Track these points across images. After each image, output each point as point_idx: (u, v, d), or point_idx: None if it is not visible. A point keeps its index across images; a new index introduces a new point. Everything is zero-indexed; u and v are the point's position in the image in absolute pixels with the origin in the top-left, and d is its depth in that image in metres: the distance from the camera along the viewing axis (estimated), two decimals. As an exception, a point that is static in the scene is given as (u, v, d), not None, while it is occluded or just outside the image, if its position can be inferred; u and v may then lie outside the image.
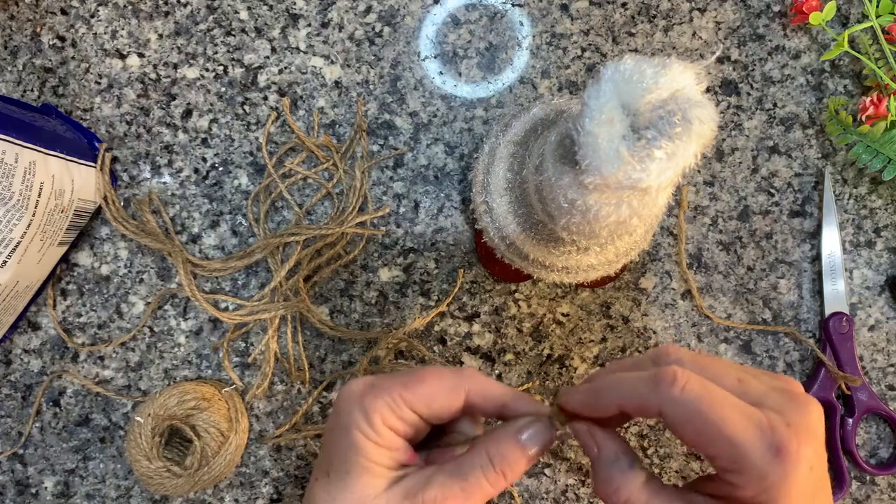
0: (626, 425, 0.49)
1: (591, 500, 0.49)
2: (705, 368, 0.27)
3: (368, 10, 0.49)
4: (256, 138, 0.48)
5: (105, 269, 0.48)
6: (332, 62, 0.49)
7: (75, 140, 0.46)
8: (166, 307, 0.48)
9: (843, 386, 0.48)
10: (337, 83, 0.49)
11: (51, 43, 0.48)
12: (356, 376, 0.32)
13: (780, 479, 0.25)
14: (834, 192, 0.49)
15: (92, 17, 0.48)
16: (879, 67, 0.47)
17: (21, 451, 0.48)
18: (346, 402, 0.29)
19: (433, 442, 0.32)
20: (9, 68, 0.48)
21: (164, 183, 0.48)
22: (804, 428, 0.25)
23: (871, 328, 0.49)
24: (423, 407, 0.29)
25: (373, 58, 0.49)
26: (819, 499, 0.26)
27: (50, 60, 0.48)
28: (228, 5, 0.48)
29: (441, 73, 0.49)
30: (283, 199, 0.48)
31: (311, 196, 0.48)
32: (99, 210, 0.47)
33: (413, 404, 0.29)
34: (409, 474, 0.29)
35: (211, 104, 0.48)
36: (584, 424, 0.30)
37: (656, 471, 0.49)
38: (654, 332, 0.49)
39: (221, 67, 0.48)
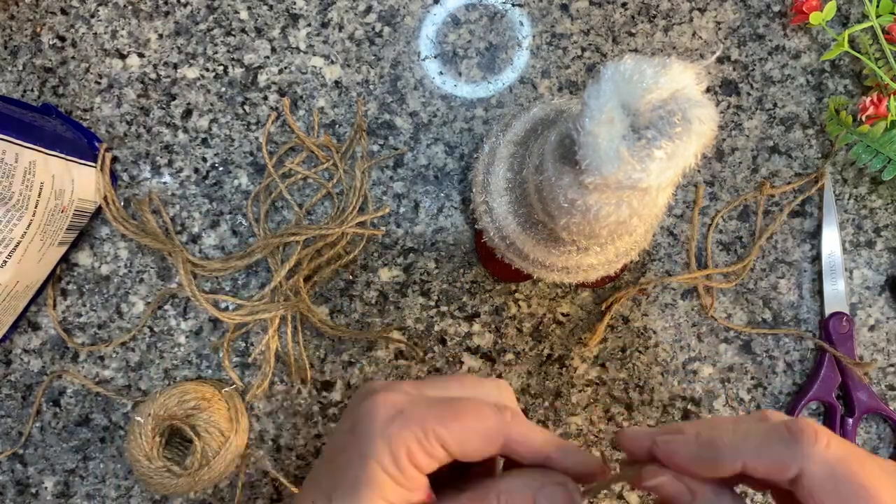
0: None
1: (590, 501, 0.49)
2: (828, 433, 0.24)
3: (368, 10, 0.49)
4: (256, 138, 0.48)
5: (105, 269, 0.48)
6: (332, 62, 0.49)
7: (75, 140, 0.46)
8: (166, 307, 0.48)
9: (859, 375, 0.48)
10: (337, 83, 0.49)
11: (51, 43, 0.48)
12: (377, 379, 0.28)
13: None
14: (834, 192, 0.49)
15: (92, 17, 0.48)
16: (879, 67, 0.46)
17: (21, 451, 0.48)
18: (367, 423, 0.25)
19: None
20: (9, 68, 0.48)
21: (164, 183, 0.48)
22: None
23: (872, 328, 0.49)
24: (456, 446, 0.25)
25: (373, 58, 0.49)
26: None
27: (50, 60, 0.48)
28: (228, 5, 0.48)
29: (441, 73, 0.49)
30: (283, 199, 0.48)
31: (311, 196, 0.48)
32: (99, 210, 0.47)
33: (445, 442, 0.25)
34: None
35: (211, 104, 0.48)
36: (665, 475, 0.26)
37: None
38: (654, 332, 0.49)
39: (221, 67, 0.48)
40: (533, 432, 0.26)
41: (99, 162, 0.46)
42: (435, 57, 0.49)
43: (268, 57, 0.48)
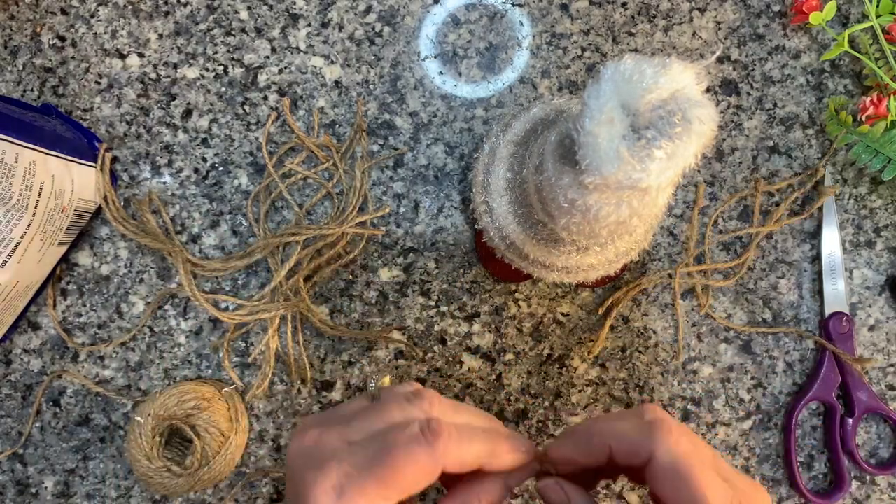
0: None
1: (591, 500, 0.49)
2: (688, 436, 0.28)
3: (368, 10, 0.49)
4: (256, 138, 0.48)
5: (105, 269, 0.48)
6: (332, 62, 0.49)
7: (75, 140, 0.46)
8: (166, 307, 0.48)
9: (859, 373, 0.48)
10: (337, 83, 0.49)
11: (51, 43, 0.48)
12: (302, 432, 0.29)
13: None
14: (833, 195, 0.49)
15: (92, 16, 0.48)
16: (879, 67, 0.46)
17: (21, 451, 0.48)
18: None
19: None
20: (9, 68, 0.48)
21: (164, 183, 0.48)
22: None
23: (871, 328, 0.49)
24: (402, 496, 0.27)
25: (373, 58, 0.49)
26: None
27: (50, 60, 0.48)
28: (228, 5, 0.48)
29: (441, 72, 0.49)
30: (283, 199, 0.48)
31: (311, 196, 0.48)
32: (99, 210, 0.47)
33: (390, 499, 0.26)
34: None
35: (211, 104, 0.48)
36: (551, 480, 0.30)
37: None
38: (654, 332, 0.49)
39: (221, 67, 0.48)
40: (464, 450, 0.28)
41: (99, 162, 0.46)
42: (435, 57, 0.49)
43: (268, 57, 0.48)
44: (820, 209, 0.49)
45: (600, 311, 0.48)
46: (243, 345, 0.48)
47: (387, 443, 0.27)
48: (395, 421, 0.28)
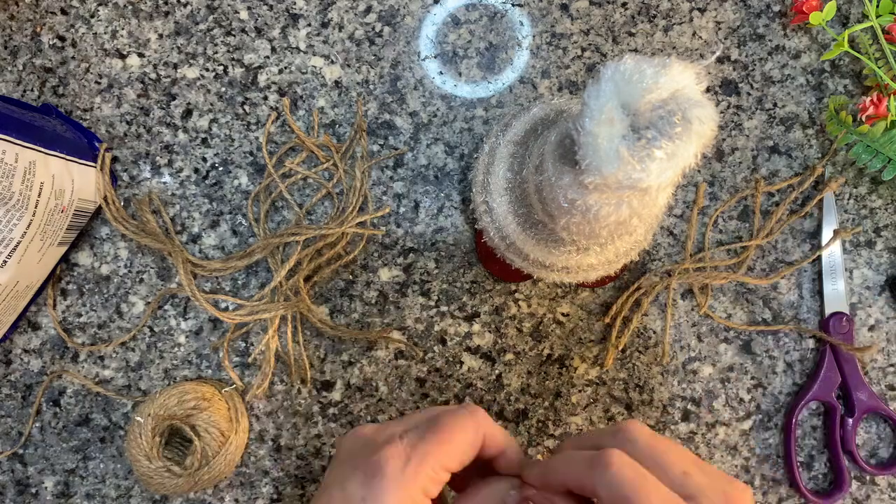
0: None
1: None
2: (658, 452, 0.28)
3: (368, 10, 0.49)
4: (256, 138, 0.48)
5: (105, 269, 0.48)
6: (332, 62, 0.49)
7: (75, 140, 0.46)
8: (166, 307, 0.48)
9: (860, 366, 0.48)
10: (337, 83, 0.49)
11: (51, 43, 0.48)
12: (360, 426, 0.32)
13: None
14: (834, 192, 0.49)
15: (92, 16, 0.48)
16: (879, 67, 0.47)
17: (21, 451, 0.48)
18: (381, 476, 0.28)
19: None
20: (9, 68, 0.48)
21: (164, 183, 0.48)
22: None
23: (871, 328, 0.49)
24: (457, 465, 0.29)
25: (373, 58, 0.49)
26: None
27: (50, 60, 0.48)
28: (228, 5, 0.48)
29: (441, 72, 0.49)
30: (283, 199, 0.48)
31: (311, 196, 0.48)
32: (99, 210, 0.47)
33: (449, 466, 0.29)
34: None
35: (211, 104, 0.48)
36: (543, 495, 0.31)
37: None
38: (654, 332, 0.49)
39: (221, 67, 0.48)
40: (496, 429, 0.31)
41: (99, 162, 0.46)
42: (435, 57, 0.49)
43: (268, 57, 0.48)
44: (820, 209, 0.49)
45: (606, 320, 0.48)
46: (243, 345, 0.48)
47: (436, 418, 0.30)
48: (445, 408, 0.32)
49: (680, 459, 0.28)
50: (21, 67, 0.48)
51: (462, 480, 0.32)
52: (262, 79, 0.48)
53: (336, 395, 0.48)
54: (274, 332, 0.47)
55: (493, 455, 0.31)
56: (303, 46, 0.49)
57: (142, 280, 0.48)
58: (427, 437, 0.29)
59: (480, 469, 0.32)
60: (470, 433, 0.30)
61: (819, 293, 0.49)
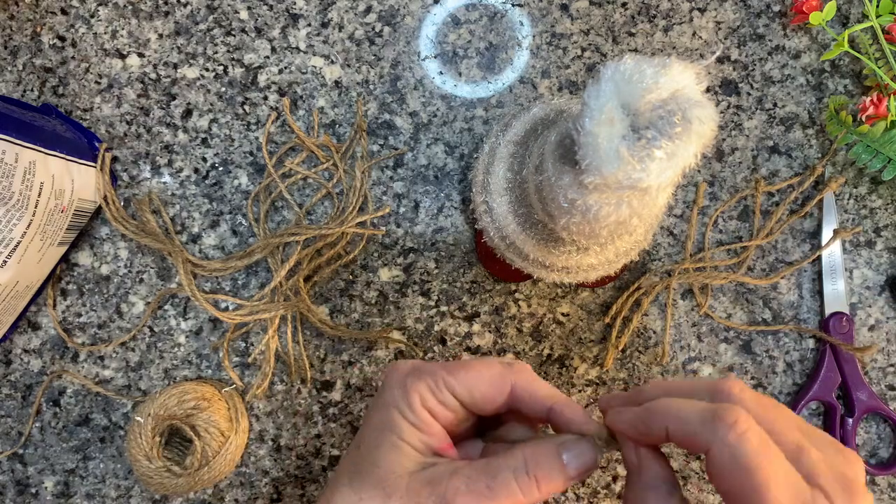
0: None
1: (591, 501, 0.49)
2: (769, 419, 0.25)
3: (368, 10, 0.49)
4: (256, 138, 0.48)
5: (105, 269, 0.48)
6: (332, 62, 0.49)
7: (75, 140, 0.46)
8: (166, 307, 0.48)
9: (860, 365, 0.48)
10: (337, 83, 0.49)
11: (51, 43, 0.48)
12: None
13: None
14: (834, 192, 0.49)
15: (92, 16, 0.48)
16: (879, 67, 0.46)
17: (21, 451, 0.48)
18: (389, 380, 0.30)
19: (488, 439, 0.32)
20: (9, 68, 0.48)
21: (164, 183, 0.48)
22: None
23: (871, 328, 0.49)
24: (465, 393, 0.29)
25: (373, 58, 0.49)
26: None
27: (50, 60, 0.48)
28: (228, 5, 0.48)
29: (441, 72, 0.49)
30: (284, 199, 0.48)
31: (312, 196, 0.48)
32: (99, 210, 0.47)
33: (454, 389, 0.29)
34: (439, 463, 0.28)
35: (211, 104, 0.48)
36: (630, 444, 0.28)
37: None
38: (654, 332, 0.49)
39: (221, 67, 0.48)
40: (538, 382, 0.30)
41: (99, 162, 0.46)
42: (435, 57, 0.49)
43: (268, 57, 0.48)
44: (820, 209, 0.49)
45: (606, 320, 0.48)
46: (243, 345, 0.48)
47: (471, 360, 0.30)
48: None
49: (791, 428, 0.25)
50: (21, 67, 0.48)
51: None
52: (262, 79, 0.48)
53: (336, 395, 0.48)
54: (274, 332, 0.47)
55: (540, 414, 0.30)
56: (303, 46, 0.49)
57: (142, 280, 0.48)
58: (455, 369, 0.29)
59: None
60: (493, 373, 0.29)
61: (819, 293, 0.49)
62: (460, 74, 0.49)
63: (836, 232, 0.48)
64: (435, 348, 0.48)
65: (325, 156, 0.48)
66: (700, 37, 0.49)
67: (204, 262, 0.47)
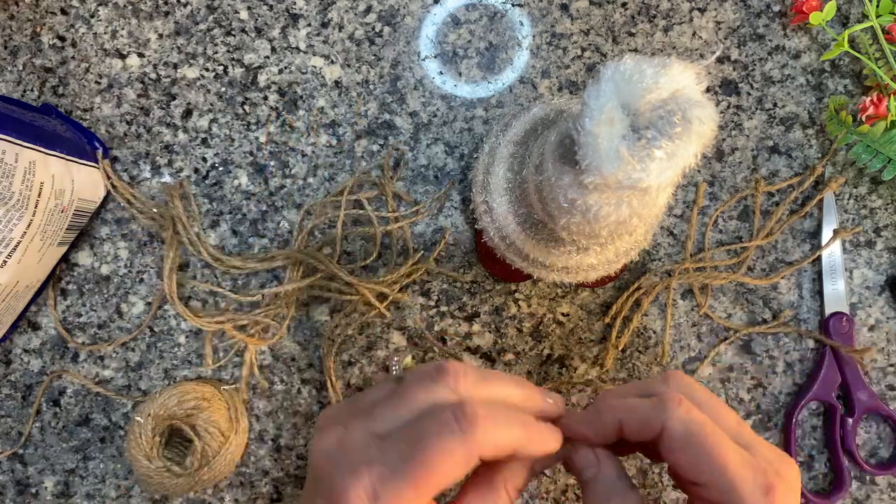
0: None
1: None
2: (710, 405, 0.28)
3: (368, 9, 0.49)
4: (256, 138, 0.48)
5: (105, 269, 0.48)
6: (332, 62, 0.49)
7: (75, 140, 0.46)
8: (166, 307, 0.48)
9: (860, 366, 0.48)
10: (337, 83, 0.49)
11: (51, 43, 0.48)
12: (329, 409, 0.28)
13: None
14: (834, 192, 0.49)
15: (92, 16, 0.48)
16: (879, 67, 0.46)
17: (21, 451, 0.48)
18: (325, 468, 0.25)
19: None
20: (9, 68, 0.48)
21: (164, 183, 0.48)
22: (789, 480, 0.27)
23: (872, 328, 0.49)
24: (438, 491, 0.25)
25: (373, 58, 0.49)
26: None
27: (50, 60, 0.48)
28: (228, 5, 0.48)
29: (441, 72, 0.49)
30: (332, 221, 0.48)
31: (356, 229, 0.48)
32: (99, 210, 0.47)
33: (427, 495, 0.25)
34: None
35: (211, 104, 0.48)
36: (583, 447, 0.30)
37: None
38: (654, 332, 0.49)
39: (221, 67, 0.48)
40: (501, 436, 0.26)
41: (100, 164, 0.46)
42: (435, 57, 0.49)
43: (268, 57, 0.48)
44: (820, 209, 0.49)
45: (606, 320, 0.48)
46: (243, 345, 0.48)
47: (418, 435, 0.25)
48: (422, 407, 0.26)
49: (731, 414, 0.28)
50: (21, 67, 0.48)
51: None
52: (262, 79, 0.48)
53: (336, 395, 0.48)
54: (255, 341, 0.47)
55: (504, 458, 0.28)
56: (303, 46, 0.49)
57: (142, 280, 0.48)
58: (402, 472, 0.24)
59: None
60: (459, 462, 0.25)
61: (819, 293, 0.49)
62: (460, 74, 0.49)
63: (836, 232, 0.48)
64: (435, 348, 0.48)
65: (394, 205, 0.48)
66: (700, 37, 0.49)
67: (224, 258, 0.47)
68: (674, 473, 0.29)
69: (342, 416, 0.28)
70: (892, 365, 0.49)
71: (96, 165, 0.46)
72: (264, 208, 0.48)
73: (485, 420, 0.25)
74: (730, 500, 0.26)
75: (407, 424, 0.26)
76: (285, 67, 0.48)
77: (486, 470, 0.29)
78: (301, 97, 0.48)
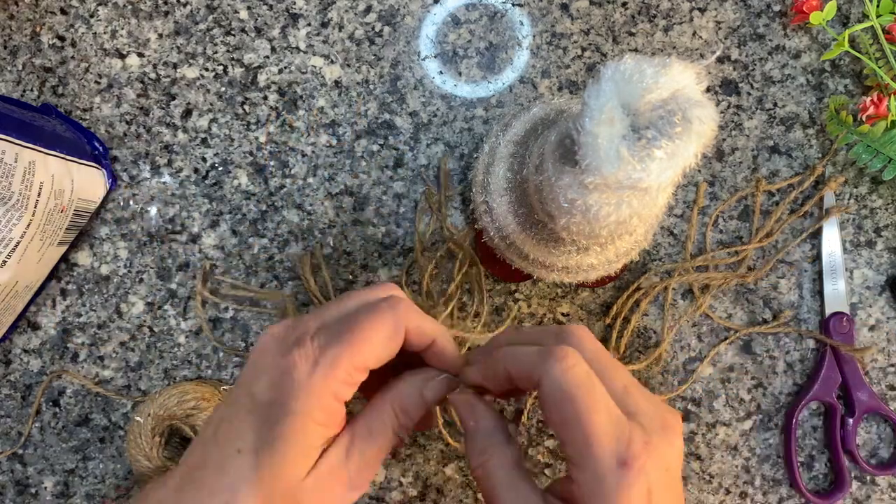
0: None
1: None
2: (601, 363, 0.27)
3: (368, 9, 0.49)
4: (256, 138, 0.48)
5: (105, 269, 0.48)
6: (332, 62, 0.49)
7: (75, 140, 0.46)
8: (166, 307, 0.48)
9: (860, 366, 0.48)
10: (337, 83, 0.49)
11: (51, 43, 0.48)
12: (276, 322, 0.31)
13: (614, 490, 0.25)
14: (834, 191, 0.49)
15: (92, 16, 0.48)
16: (880, 67, 0.46)
17: (21, 451, 0.48)
18: (289, 381, 0.27)
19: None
20: (9, 68, 0.48)
21: (164, 183, 0.48)
22: (660, 454, 0.25)
23: (872, 328, 0.49)
24: (374, 361, 0.28)
25: (373, 57, 0.49)
26: None
27: (50, 60, 0.48)
28: (228, 5, 0.48)
29: (441, 72, 0.49)
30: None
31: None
32: (99, 210, 0.47)
33: (366, 363, 0.28)
34: (327, 447, 0.28)
35: (211, 104, 0.48)
36: (466, 396, 0.30)
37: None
38: (654, 333, 0.49)
39: (221, 67, 0.48)
40: (423, 319, 0.30)
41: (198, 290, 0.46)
42: (435, 57, 0.49)
43: (268, 57, 0.48)
44: (820, 207, 0.49)
45: (606, 320, 0.48)
46: (243, 345, 0.48)
47: (356, 315, 0.29)
48: (361, 303, 0.30)
49: (623, 375, 0.28)
50: (21, 67, 0.48)
51: (385, 375, 0.31)
52: (261, 79, 0.48)
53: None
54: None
55: (422, 348, 0.30)
56: (303, 46, 0.49)
57: (142, 280, 0.48)
58: (340, 338, 0.27)
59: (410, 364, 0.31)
60: (388, 329, 0.28)
61: (819, 293, 0.49)
62: (460, 74, 0.49)
63: (828, 211, 0.48)
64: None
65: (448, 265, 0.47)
66: (700, 37, 0.49)
67: (240, 285, 0.47)
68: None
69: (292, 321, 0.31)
70: (892, 365, 0.49)
71: (96, 165, 0.46)
72: (264, 208, 0.48)
73: (408, 305, 0.29)
74: (584, 465, 0.25)
75: (350, 310, 0.29)
76: (285, 67, 0.48)
77: (378, 394, 0.31)
78: (301, 97, 0.48)
